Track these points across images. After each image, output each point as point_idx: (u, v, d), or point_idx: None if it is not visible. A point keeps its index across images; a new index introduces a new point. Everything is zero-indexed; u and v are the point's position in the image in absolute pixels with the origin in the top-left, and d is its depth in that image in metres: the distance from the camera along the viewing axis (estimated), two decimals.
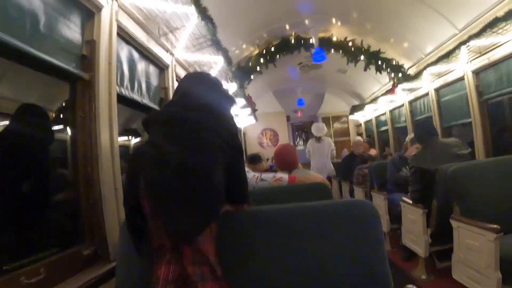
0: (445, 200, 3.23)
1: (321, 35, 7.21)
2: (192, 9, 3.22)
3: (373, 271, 1.65)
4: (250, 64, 7.32)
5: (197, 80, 1.88)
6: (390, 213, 4.91)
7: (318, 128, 8.15)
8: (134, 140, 4.45)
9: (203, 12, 3.31)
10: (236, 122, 1.83)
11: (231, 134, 1.64)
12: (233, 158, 1.62)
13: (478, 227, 2.66)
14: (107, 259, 2.40)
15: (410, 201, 3.87)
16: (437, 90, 6.16)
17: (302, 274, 1.67)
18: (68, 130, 2.57)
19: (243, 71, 7.19)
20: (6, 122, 2.16)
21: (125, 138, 4.23)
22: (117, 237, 1.94)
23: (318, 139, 8.05)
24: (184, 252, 1.47)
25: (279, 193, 2.58)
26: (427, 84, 6.33)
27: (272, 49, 7.30)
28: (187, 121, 1.57)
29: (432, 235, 3.56)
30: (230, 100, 1.89)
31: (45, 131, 2.31)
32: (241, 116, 8.98)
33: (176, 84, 4.15)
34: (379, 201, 5.06)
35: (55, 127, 2.57)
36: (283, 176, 2.71)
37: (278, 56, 7.36)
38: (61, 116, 2.67)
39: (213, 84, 1.86)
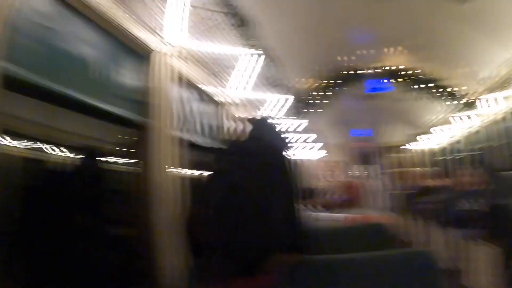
0: None
1: (377, 65, 7.19)
2: (249, 50, 3.29)
3: None
4: (311, 98, 7.42)
5: (259, 125, 1.95)
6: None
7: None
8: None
9: (264, 52, 3.36)
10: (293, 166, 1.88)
11: (290, 180, 1.71)
12: (291, 204, 1.67)
13: None
14: None
15: (479, 239, 3.64)
16: None
17: None
18: (128, 173, 2.68)
19: (305, 105, 7.28)
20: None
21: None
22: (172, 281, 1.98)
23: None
24: None
25: (336, 234, 2.54)
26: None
27: (332, 81, 7.36)
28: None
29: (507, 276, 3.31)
30: (287, 146, 1.94)
31: (101, 172, 2.44)
32: (304, 147, 9.02)
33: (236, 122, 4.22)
34: (443, 237, 4.81)
35: (115, 169, 2.70)
36: (341, 216, 2.68)
37: (337, 88, 7.41)
38: (121, 158, 2.80)
39: (273, 130, 1.94)
